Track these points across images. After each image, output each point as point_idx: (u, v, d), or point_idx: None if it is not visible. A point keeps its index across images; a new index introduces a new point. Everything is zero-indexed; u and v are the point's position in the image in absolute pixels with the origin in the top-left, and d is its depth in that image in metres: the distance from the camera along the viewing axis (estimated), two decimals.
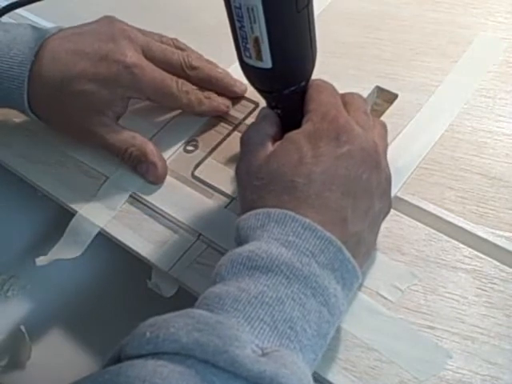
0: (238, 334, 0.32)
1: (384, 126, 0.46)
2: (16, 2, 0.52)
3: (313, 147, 0.40)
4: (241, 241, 0.38)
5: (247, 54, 0.41)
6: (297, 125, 0.42)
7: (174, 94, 0.51)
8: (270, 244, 0.36)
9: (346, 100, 0.44)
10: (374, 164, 0.41)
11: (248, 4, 0.38)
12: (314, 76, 0.44)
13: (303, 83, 0.43)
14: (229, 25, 0.41)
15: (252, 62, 0.41)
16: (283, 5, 0.38)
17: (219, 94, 0.54)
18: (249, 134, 0.43)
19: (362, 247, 0.40)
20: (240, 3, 0.38)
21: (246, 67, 0.42)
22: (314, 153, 0.40)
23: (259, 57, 0.40)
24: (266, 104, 0.45)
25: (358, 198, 0.39)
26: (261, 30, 0.39)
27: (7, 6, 0.52)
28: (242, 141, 0.43)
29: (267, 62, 0.40)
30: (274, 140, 0.43)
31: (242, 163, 0.43)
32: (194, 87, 0.53)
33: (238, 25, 0.39)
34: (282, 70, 0.41)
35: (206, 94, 0.53)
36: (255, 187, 0.40)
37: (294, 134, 0.41)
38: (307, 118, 0.42)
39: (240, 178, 0.43)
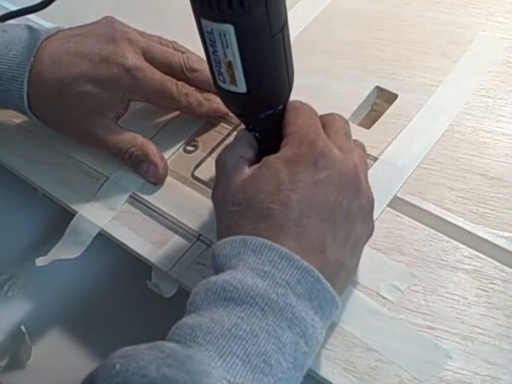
0: (209, 369, 0.31)
1: (363, 148, 0.45)
2: (23, 8, 0.52)
3: (290, 173, 0.39)
4: (217, 268, 0.38)
5: (221, 79, 0.40)
6: (276, 148, 0.41)
7: (173, 96, 0.51)
8: (246, 274, 0.35)
9: (327, 121, 0.43)
10: (354, 189, 0.40)
11: (220, 29, 0.37)
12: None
13: (280, 107, 0.42)
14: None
15: (226, 86, 0.40)
16: (256, 30, 0.37)
17: None
18: (224, 156, 0.42)
19: (343, 273, 0.39)
20: (212, 28, 0.37)
21: (220, 91, 0.41)
22: (291, 179, 0.38)
23: (233, 81, 0.39)
24: (245, 127, 0.44)
25: (338, 224, 0.39)
26: (234, 54, 0.38)
27: (14, 11, 0.52)
28: (217, 164, 0.42)
29: (242, 87, 0.39)
30: (251, 163, 0.42)
31: (217, 187, 0.42)
32: (194, 89, 0.53)
33: (210, 49, 0.38)
34: (258, 94, 0.40)
35: (206, 95, 0.53)
36: (231, 213, 0.39)
37: (271, 159, 0.40)
38: (285, 142, 0.41)
39: (216, 202, 0.42)
